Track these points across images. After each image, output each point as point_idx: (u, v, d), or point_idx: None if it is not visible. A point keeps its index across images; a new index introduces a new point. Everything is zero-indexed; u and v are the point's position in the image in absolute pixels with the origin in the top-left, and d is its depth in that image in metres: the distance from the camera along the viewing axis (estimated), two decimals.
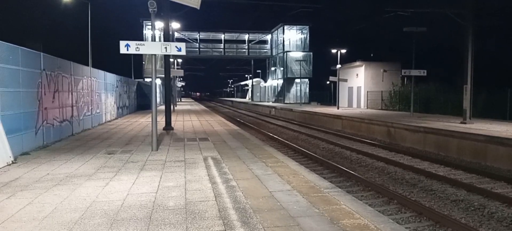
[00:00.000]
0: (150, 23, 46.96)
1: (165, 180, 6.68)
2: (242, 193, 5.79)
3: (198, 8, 9.00)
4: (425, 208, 7.80)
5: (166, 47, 9.50)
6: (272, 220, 4.59)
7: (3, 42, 8.65)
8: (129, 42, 9.18)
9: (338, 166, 11.84)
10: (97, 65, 22.39)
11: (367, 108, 33.58)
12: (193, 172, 7.34)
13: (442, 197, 8.99)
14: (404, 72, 21.57)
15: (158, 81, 41.39)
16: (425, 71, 21.40)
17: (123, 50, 9.13)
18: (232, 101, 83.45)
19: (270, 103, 51.07)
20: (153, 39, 11.70)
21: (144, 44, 9.44)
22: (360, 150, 14.98)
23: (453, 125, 16.43)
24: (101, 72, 18.52)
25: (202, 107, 43.51)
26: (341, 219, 4.63)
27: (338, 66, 33.02)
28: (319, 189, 5.93)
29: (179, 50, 9.58)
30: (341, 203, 5.20)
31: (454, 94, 24.10)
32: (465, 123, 16.79)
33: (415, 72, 21.06)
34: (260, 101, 64.05)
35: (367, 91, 34.36)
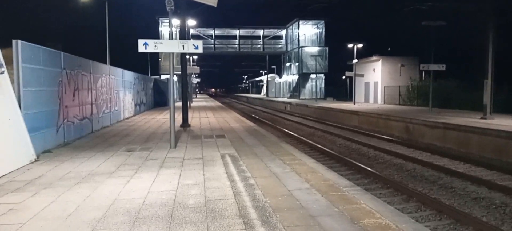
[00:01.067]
0: (166, 21, 47.30)
1: (185, 178, 6.76)
2: (261, 191, 5.81)
3: (215, 5, 9.03)
4: (446, 206, 7.70)
5: (183, 45, 9.57)
6: (292, 219, 4.60)
7: (25, 42, 8.84)
8: (147, 41, 9.28)
9: (356, 163, 11.75)
10: (114, 63, 22.72)
11: (384, 103, 33.20)
12: (212, 170, 7.40)
13: (462, 195, 8.84)
14: (423, 67, 21.25)
15: (174, 78, 41.73)
16: (444, 65, 21.03)
17: (141, 48, 9.24)
18: (247, 97, 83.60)
19: (285, 99, 50.95)
20: (171, 37, 11.79)
21: (162, 43, 9.53)
22: (378, 146, 14.83)
23: (473, 120, 16.12)
24: (119, 70, 18.77)
25: (218, 103, 43.71)
26: (362, 218, 4.61)
27: (355, 61, 32.69)
28: (338, 188, 5.91)
29: (196, 48, 9.63)
30: (361, 202, 5.17)
31: (474, 90, 23.62)
32: (485, 119, 16.46)
33: (434, 67, 20.72)
34: (275, 97, 63.98)
35: (384, 87, 33.96)
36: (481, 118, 16.59)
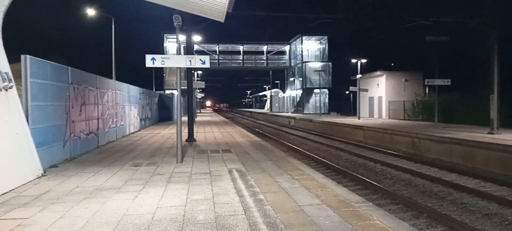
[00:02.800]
0: (171, 36, 47.70)
1: (193, 193, 6.69)
2: (271, 206, 5.74)
3: (223, 21, 9.07)
4: (457, 222, 7.58)
5: (190, 60, 9.60)
6: None
7: (34, 57, 8.90)
8: (155, 56, 9.31)
9: (363, 178, 11.65)
10: (118, 77, 22.83)
11: (388, 118, 33.09)
12: (220, 185, 7.34)
13: (473, 211, 8.71)
14: (428, 82, 21.20)
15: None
16: (449, 80, 21.00)
17: (149, 63, 9.26)
18: (250, 112, 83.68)
19: (289, 114, 50.91)
20: (178, 52, 11.87)
21: (169, 58, 9.56)
22: (384, 161, 14.72)
23: (480, 135, 15.99)
24: (125, 85, 18.84)
25: (222, 118, 43.72)
26: None
27: (359, 76, 32.71)
28: (350, 203, 5.82)
29: (203, 63, 9.66)
30: (374, 218, 5.09)
31: (479, 104, 23.52)
32: (492, 133, 16.33)
33: (438, 82, 20.69)
34: (278, 111, 63.95)
35: (389, 101, 33.89)
36: (488, 133, 16.47)
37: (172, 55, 9.72)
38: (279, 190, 6.85)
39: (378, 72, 35.80)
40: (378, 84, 35.87)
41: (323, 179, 7.85)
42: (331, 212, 5.40)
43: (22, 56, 8.57)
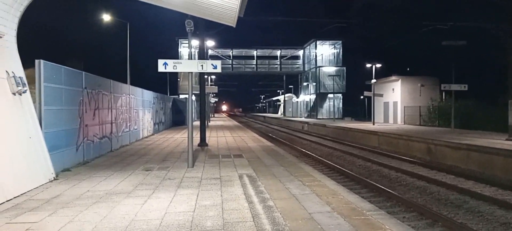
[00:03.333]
0: (185, 41, 48.06)
1: (202, 199, 6.64)
2: (280, 214, 5.64)
3: (234, 26, 9.05)
4: None
5: (202, 65, 9.59)
6: None
7: (48, 62, 9.00)
8: (167, 61, 9.33)
9: (377, 184, 11.44)
10: (133, 82, 23.04)
11: (404, 124, 32.60)
12: (229, 190, 7.27)
13: (490, 220, 8.45)
14: (444, 87, 20.80)
15: (192, 98, 42.06)
16: (466, 86, 20.57)
17: (161, 68, 9.29)
18: (264, 116, 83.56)
19: (303, 119, 50.66)
20: (190, 57, 11.92)
21: (181, 63, 9.57)
22: (399, 168, 14.45)
23: (498, 142, 15.58)
24: (139, 89, 18.98)
25: (235, 123, 43.75)
26: None
27: (373, 81, 32.35)
28: (361, 211, 5.69)
29: (215, 67, 9.64)
30: (386, 227, 4.94)
31: (496, 110, 22.98)
32: (510, 140, 15.90)
33: (455, 87, 20.28)
34: (292, 116, 63.72)
35: (404, 107, 33.40)
36: (507, 140, 16.04)
37: (184, 60, 9.72)
38: (289, 196, 6.75)
39: (393, 77, 35.35)
40: (393, 89, 35.41)
41: (334, 186, 7.71)
42: (342, 220, 5.27)
43: (36, 61, 8.68)
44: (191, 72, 9.99)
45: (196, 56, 31.99)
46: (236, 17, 8.22)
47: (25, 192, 7.20)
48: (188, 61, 9.85)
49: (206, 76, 35.07)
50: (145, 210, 5.97)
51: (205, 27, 15.85)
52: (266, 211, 5.78)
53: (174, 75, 47.33)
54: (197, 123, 16.85)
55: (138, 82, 23.19)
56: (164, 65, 9.39)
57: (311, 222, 5.23)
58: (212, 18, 9.41)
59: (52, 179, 8.43)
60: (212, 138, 19.84)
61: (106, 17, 24.32)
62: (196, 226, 5.12)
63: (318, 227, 4.99)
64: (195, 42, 19.72)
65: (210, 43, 25.98)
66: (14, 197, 6.82)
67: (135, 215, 5.72)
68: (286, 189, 7.34)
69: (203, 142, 15.45)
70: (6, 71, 7.50)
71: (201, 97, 16.11)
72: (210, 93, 38.27)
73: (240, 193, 7.07)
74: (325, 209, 5.88)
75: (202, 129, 15.74)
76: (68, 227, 5.16)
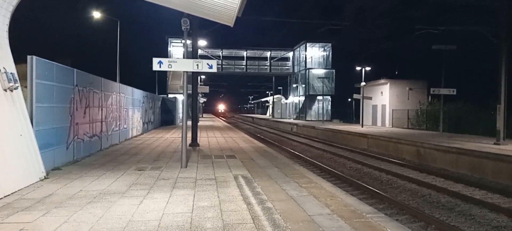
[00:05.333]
0: (175, 41, 47.79)
1: (199, 200, 6.55)
2: (280, 215, 5.60)
3: (232, 25, 8.97)
4: None
5: (197, 65, 9.50)
6: None
7: (40, 58, 8.81)
8: (162, 60, 9.21)
9: (369, 187, 11.50)
10: (122, 80, 22.73)
11: (392, 126, 32.90)
12: (226, 191, 7.20)
13: (482, 223, 8.56)
14: (433, 91, 21.03)
15: (182, 97, 41.80)
16: (455, 90, 20.83)
17: (155, 67, 9.17)
18: (252, 117, 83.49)
19: (292, 120, 50.76)
20: (184, 56, 11.77)
21: (176, 62, 9.46)
22: (390, 170, 14.56)
23: (487, 146, 15.82)
24: (129, 88, 18.75)
25: (224, 123, 43.59)
26: None
27: (363, 83, 32.58)
28: (361, 214, 5.68)
29: (211, 67, 9.55)
30: (388, 230, 4.94)
31: (485, 114, 23.35)
32: (499, 144, 16.15)
33: (444, 91, 20.53)
34: (281, 117, 63.80)
35: (393, 110, 33.72)
36: (495, 144, 16.30)
37: (179, 59, 9.62)
38: (287, 198, 6.71)
39: (382, 80, 35.66)
40: (382, 93, 35.72)
41: (331, 188, 7.71)
42: (343, 223, 5.26)
43: (29, 57, 8.48)
44: (185, 72, 9.90)
45: (186, 56, 31.77)
46: (234, 16, 8.15)
47: (16, 191, 7.02)
48: (183, 60, 9.75)
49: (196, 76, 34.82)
50: (142, 211, 5.86)
51: (199, 26, 15.74)
52: (266, 213, 5.73)
53: (163, 75, 46.97)
54: (188, 123, 16.71)
55: (127, 80, 22.90)
56: (159, 64, 9.26)
57: (312, 224, 5.20)
58: (210, 18, 9.33)
59: (43, 177, 8.24)
60: (202, 138, 19.71)
61: (96, 15, 23.99)
62: (196, 228, 5.04)
63: (320, 230, 4.96)
64: (187, 42, 19.58)
65: (201, 42, 25.79)
66: (5, 196, 6.64)
67: (132, 215, 5.61)
68: (283, 191, 7.30)
69: (194, 142, 15.33)
70: None
71: (194, 97, 15.98)
72: (200, 93, 38.11)
73: (237, 194, 7.01)
74: (325, 211, 5.85)
75: (194, 129, 15.62)
76: (64, 228, 5.03)
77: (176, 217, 5.52)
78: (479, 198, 10.49)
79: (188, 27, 9.94)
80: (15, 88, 7.73)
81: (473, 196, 10.60)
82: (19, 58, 8.59)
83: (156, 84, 49.35)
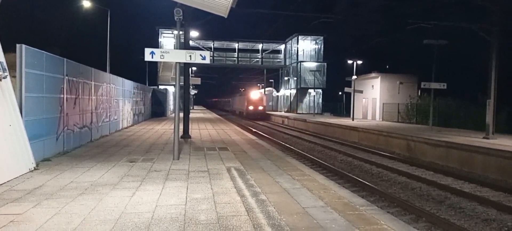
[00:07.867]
0: (166, 31, 47.32)
1: (192, 192, 6.52)
2: (274, 208, 5.59)
3: (226, 16, 8.89)
4: (457, 227, 7.52)
5: (190, 56, 9.40)
6: None
7: (29, 47, 8.64)
8: (154, 50, 9.10)
9: (360, 179, 11.57)
10: (111, 71, 22.47)
11: (382, 120, 33.14)
12: (219, 184, 7.17)
13: (472, 216, 8.67)
14: (424, 85, 21.17)
15: (172, 89, 41.48)
16: (445, 84, 20.99)
17: (148, 57, 9.05)
18: None
19: (283, 113, 50.82)
20: (176, 47, 11.64)
21: (168, 52, 9.35)
22: (380, 163, 14.67)
23: (476, 140, 16.01)
24: (120, 79, 18.54)
25: (215, 115, 43.46)
26: None
27: (354, 77, 32.70)
28: (355, 206, 5.69)
29: (204, 58, 9.47)
30: (382, 222, 4.96)
31: (474, 109, 23.59)
32: (488, 138, 16.36)
33: (435, 85, 20.68)
34: (272, 110, 63.83)
35: (383, 103, 33.94)
36: (484, 138, 16.50)
37: (172, 50, 9.51)
38: (281, 190, 6.71)
39: (373, 74, 35.84)
40: (373, 86, 35.92)
41: (324, 180, 7.72)
42: (337, 215, 5.26)
43: (18, 46, 8.31)
44: (178, 63, 9.80)
45: (178, 47, 31.49)
46: (229, 7, 8.07)
47: (5, 182, 6.90)
48: (176, 51, 9.64)
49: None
50: (135, 203, 5.80)
51: (192, 17, 15.58)
52: (260, 205, 5.72)
53: (154, 66, 46.59)
54: (180, 115, 16.59)
55: (116, 71, 22.63)
56: (151, 54, 9.15)
57: (306, 217, 5.20)
58: (204, 8, 9.22)
59: (32, 168, 8.12)
60: (194, 130, 19.61)
61: (86, 4, 23.62)
62: (190, 220, 5.01)
63: (315, 222, 4.97)
64: (175, 32, 19.41)
65: (193, 33, 25.56)
66: None
67: (124, 207, 5.55)
68: (276, 183, 7.29)
69: (186, 134, 15.24)
70: None
71: (185, 88, 15.87)
72: (192, 85, 37.87)
73: (230, 186, 6.98)
74: (318, 204, 5.86)
75: (186, 121, 15.52)
76: (56, 220, 4.96)
77: (170, 209, 5.48)
78: (469, 191, 10.63)
79: (181, 17, 9.82)
80: (4, 78, 7.58)
81: (462, 189, 10.73)
82: (8, 47, 8.41)
83: (146, 75, 48.94)
